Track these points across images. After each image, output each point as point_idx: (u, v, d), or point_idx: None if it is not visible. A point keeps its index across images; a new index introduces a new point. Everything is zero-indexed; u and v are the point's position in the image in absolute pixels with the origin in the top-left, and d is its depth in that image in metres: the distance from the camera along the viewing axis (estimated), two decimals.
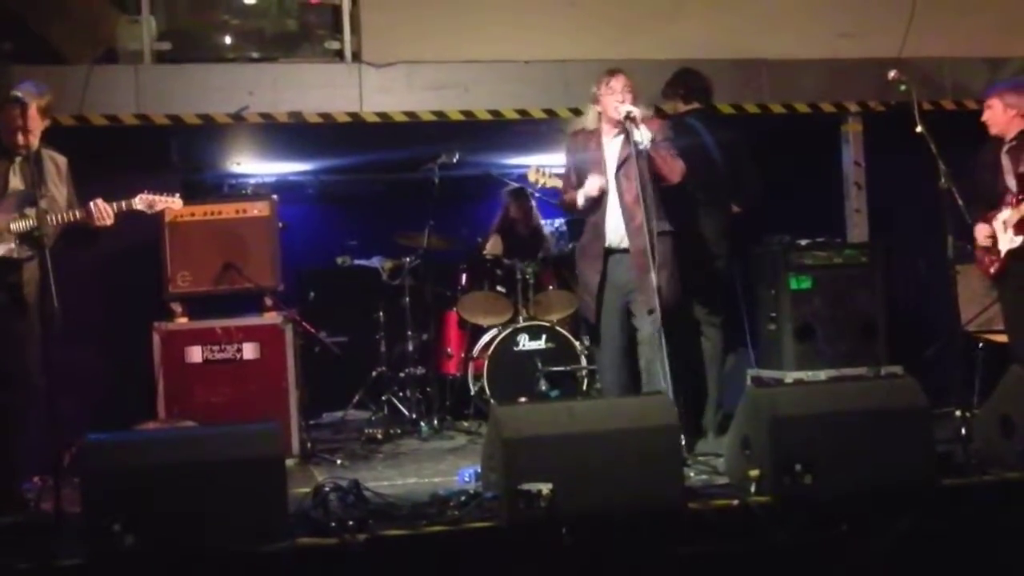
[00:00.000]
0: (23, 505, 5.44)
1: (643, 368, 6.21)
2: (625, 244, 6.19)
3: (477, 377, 7.91)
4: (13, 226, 5.47)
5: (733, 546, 4.94)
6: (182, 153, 7.65)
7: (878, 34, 7.92)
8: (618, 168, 6.20)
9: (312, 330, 7.48)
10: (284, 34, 7.76)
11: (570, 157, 6.44)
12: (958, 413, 6.03)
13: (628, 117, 6.02)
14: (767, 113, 7.97)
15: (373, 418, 8.13)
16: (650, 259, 5.88)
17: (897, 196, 7.89)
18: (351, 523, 4.76)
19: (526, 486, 4.75)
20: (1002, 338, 6.85)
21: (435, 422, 7.75)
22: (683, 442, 5.45)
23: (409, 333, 8.07)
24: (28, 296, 5.54)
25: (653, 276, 5.86)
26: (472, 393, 7.99)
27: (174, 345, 6.78)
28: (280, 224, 7.14)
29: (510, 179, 9.15)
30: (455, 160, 7.83)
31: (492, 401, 7.44)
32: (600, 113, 6.28)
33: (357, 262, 8.78)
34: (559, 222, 9.29)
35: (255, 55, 7.56)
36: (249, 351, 6.83)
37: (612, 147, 6.25)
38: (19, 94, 5.33)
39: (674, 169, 6.17)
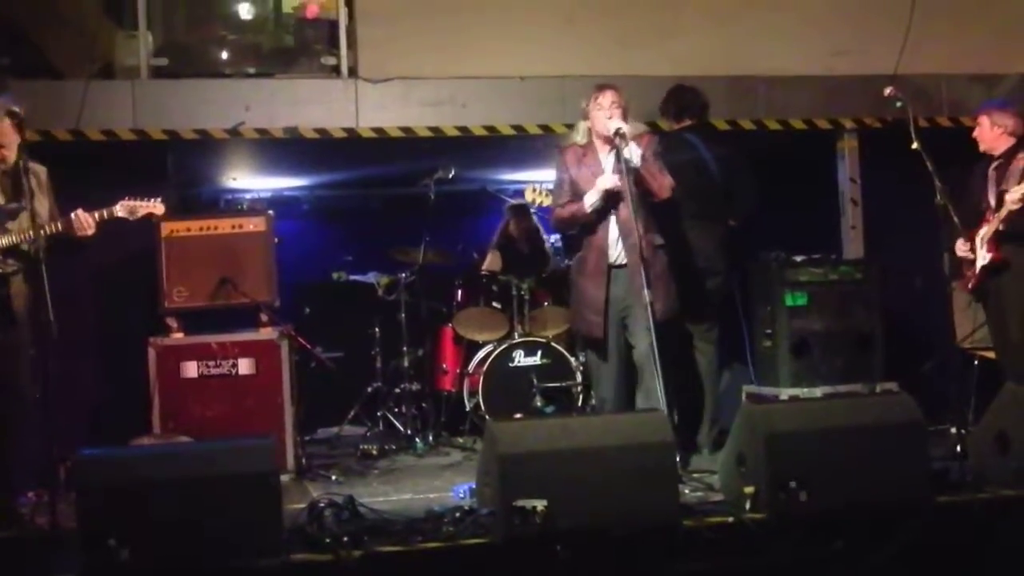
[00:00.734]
0: (18, 520, 5.40)
1: (638, 384, 6.19)
2: (622, 260, 6.18)
3: (472, 393, 7.88)
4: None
5: (728, 563, 4.91)
6: (178, 168, 7.63)
7: (874, 51, 7.93)
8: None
9: (308, 345, 7.45)
10: (281, 49, 7.78)
11: (561, 172, 6.39)
12: (953, 430, 6.05)
13: (618, 133, 6.01)
14: (762, 129, 7.98)
15: (368, 434, 8.09)
16: (643, 275, 5.87)
17: (893, 213, 7.90)
18: (346, 539, 4.73)
19: (521, 502, 4.74)
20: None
21: (430, 438, 7.73)
22: (678, 459, 5.44)
23: (405, 349, 8.04)
24: (17, 309, 5.51)
25: (647, 292, 5.85)
26: (468, 409, 7.94)
27: (170, 360, 6.74)
28: (276, 239, 7.11)
29: (506, 195, 9.15)
30: (451, 176, 7.81)
31: (487, 417, 7.40)
32: (590, 128, 6.27)
33: (353, 277, 8.77)
34: (554, 238, 9.29)
35: (252, 70, 7.58)
36: (244, 366, 6.79)
37: (607, 163, 6.24)
38: None
39: (663, 185, 6.16)
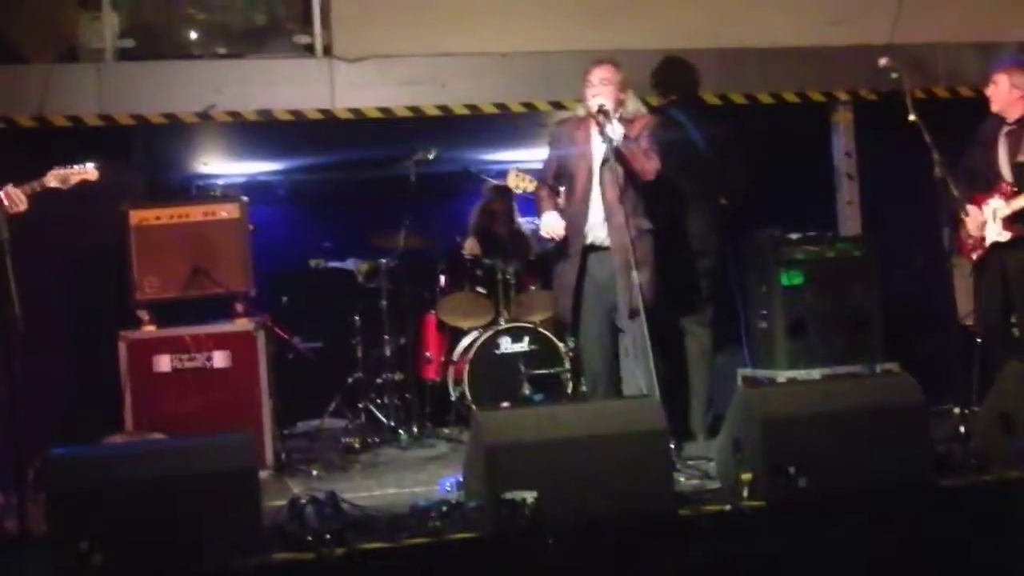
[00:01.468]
0: None
1: (628, 369, 6.15)
2: (603, 242, 6.17)
3: (458, 382, 7.81)
4: None
5: (726, 552, 4.86)
6: (147, 154, 7.62)
7: (868, 20, 7.86)
8: (602, 163, 6.14)
9: (285, 336, 7.42)
10: (252, 29, 7.67)
11: (552, 148, 6.41)
12: (956, 410, 6.04)
13: (601, 111, 5.99)
14: (754, 103, 7.93)
15: (350, 426, 7.97)
16: (631, 257, 5.82)
17: (890, 187, 7.87)
18: (328, 537, 4.66)
19: (510, 495, 4.69)
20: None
21: (415, 429, 7.66)
22: (672, 446, 5.39)
23: (386, 337, 7.95)
24: None
25: (634, 275, 5.81)
26: (453, 398, 7.89)
27: (141, 354, 6.62)
28: (250, 226, 7.00)
29: (489, 175, 9.04)
30: (432, 157, 7.72)
31: (474, 407, 7.35)
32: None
33: (331, 264, 8.68)
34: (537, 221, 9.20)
35: (222, 51, 7.48)
36: (220, 359, 6.68)
37: (597, 141, 6.18)
38: None
39: (645, 168, 6.10)
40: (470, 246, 8.64)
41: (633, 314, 5.90)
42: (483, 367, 7.68)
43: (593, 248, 6.20)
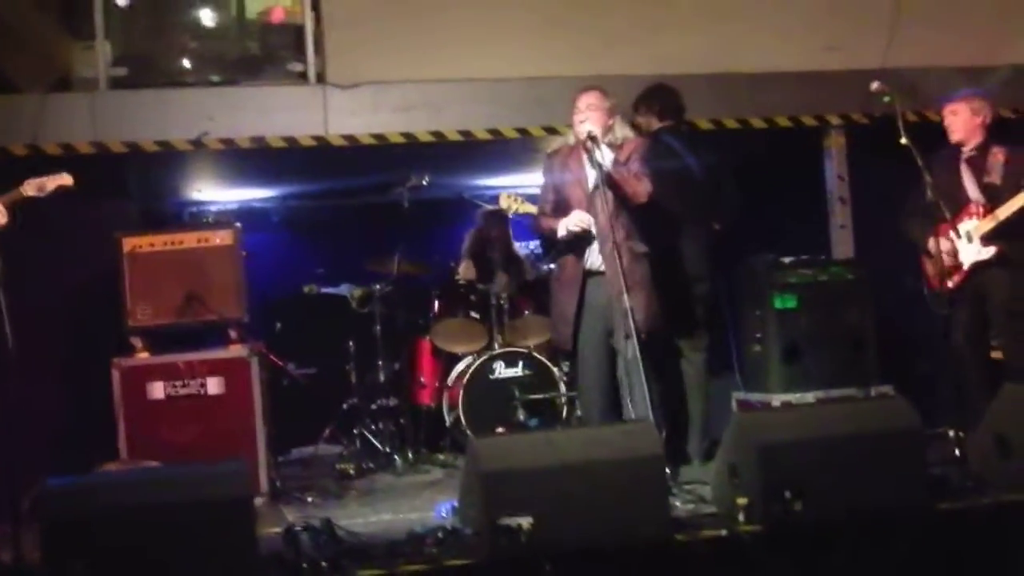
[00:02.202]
0: None
1: (624, 394, 6.10)
2: (601, 267, 6.14)
3: (452, 407, 7.79)
4: None
5: None
6: (141, 181, 7.60)
7: (860, 45, 7.90)
8: (594, 189, 6.12)
9: (279, 362, 7.46)
10: (245, 57, 7.69)
11: (546, 176, 6.38)
12: (952, 433, 6.00)
13: (590, 137, 5.99)
14: (747, 128, 7.93)
15: (345, 452, 7.97)
16: (623, 282, 5.79)
17: (882, 210, 7.81)
18: (324, 564, 4.66)
19: (506, 520, 4.66)
20: (996, 354, 6.77)
21: (410, 455, 7.62)
22: (668, 471, 5.37)
23: (380, 363, 7.97)
24: None
25: (626, 299, 5.78)
26: (447, 424, 7.87)
27: (135, 381, 6.60)
28: (244, 252, 7.00)
29: (482, 201, 9.04)
30: (425, 183, 7.72)
31: (469, 432, 7.34)
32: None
33: (325, 290, 8.73)
34: (534, 244, 9.20)
35: (215, 79, 7.49)
36: (214, 386, 6.66)
37: (589, 168, 6.16)
38: None
39: (637, 192, 6.09)
40: (464, 271, 8.63)
41: (626, 339, 5.86)
42: (477, 392, 7.66)
43: (591, 273, 6.18)
